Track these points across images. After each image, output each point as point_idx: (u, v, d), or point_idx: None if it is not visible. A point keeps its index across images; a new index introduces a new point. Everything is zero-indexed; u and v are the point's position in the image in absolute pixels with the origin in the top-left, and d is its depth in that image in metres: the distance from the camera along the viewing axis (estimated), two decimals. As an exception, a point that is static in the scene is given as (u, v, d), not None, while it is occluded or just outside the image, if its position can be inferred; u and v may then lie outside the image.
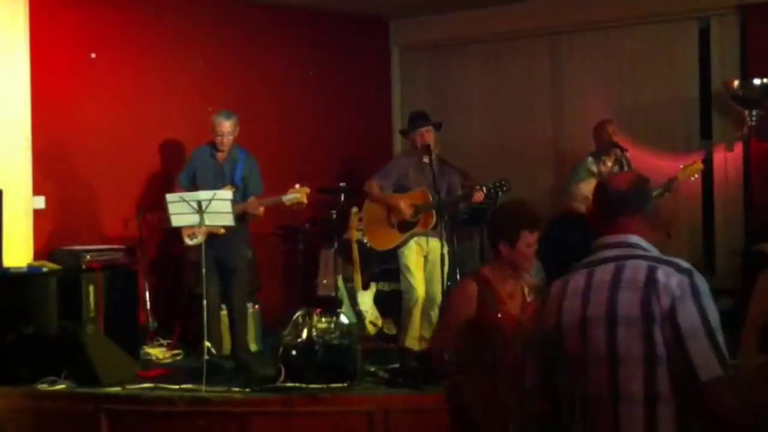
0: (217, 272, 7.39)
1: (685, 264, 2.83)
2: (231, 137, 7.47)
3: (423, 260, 7.47)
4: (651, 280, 2.78)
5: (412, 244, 7.45)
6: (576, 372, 2.89)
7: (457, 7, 10.05)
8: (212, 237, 7.22)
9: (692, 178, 7.76)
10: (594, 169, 8.20)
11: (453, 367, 4.49)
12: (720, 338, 2.74)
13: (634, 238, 2.93)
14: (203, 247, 6.99)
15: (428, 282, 7.48)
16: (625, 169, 8.08)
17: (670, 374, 2.75)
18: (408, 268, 7.45)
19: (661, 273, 2.78)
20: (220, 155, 7.53)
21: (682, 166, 7.75)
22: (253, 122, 9.22)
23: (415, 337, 7.46)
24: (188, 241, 7.34)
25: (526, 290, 4.59)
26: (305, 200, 7.35)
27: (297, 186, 7.31)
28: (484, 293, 4.45)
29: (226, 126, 7.43)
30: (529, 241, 4.41)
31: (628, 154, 8.16)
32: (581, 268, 2.97)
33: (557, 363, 2.96)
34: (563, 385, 2.96)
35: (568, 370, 2.92)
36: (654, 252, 2.92)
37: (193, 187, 7.37)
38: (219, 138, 7.45)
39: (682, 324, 2.73)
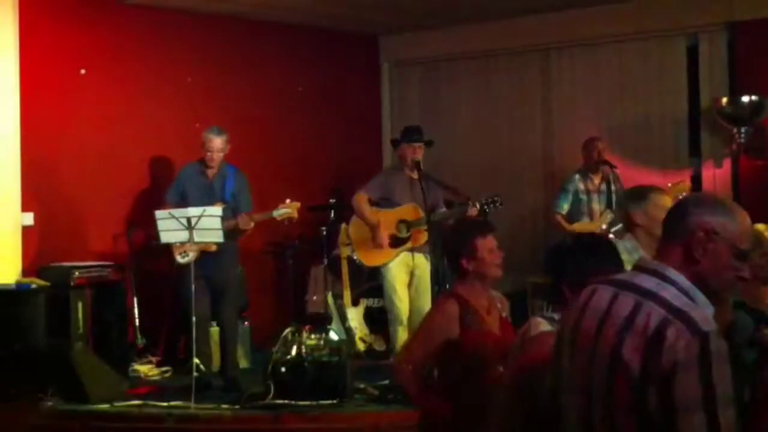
0: (208, 289, 7.36)
1: (705, 325, 2.42)
2: (221, 154, 7.45)
3: (409, 276, 7.45)
4: (659, 335, 2.42)
5: (398, 260, 7.43)
6: (578, 397, 2.63)
7: (447, 23, 10.08)
8: (203, 254, 7.20)
9: (680, 197, 7.70)
10: (581, 186, 8.25)
11: (422, 387, 4.36)
12: (724, 416, 2.35)
13: (672, 273, 2.55)
14: (191, 265, 6.97)
15: (415, 297, 7.46)
16: (613, 187, 8.15)
17: None
18: (393, 286, 7.44)
19: (672, 331, 2.41)
20: (209, 172, 7.51)
21: (669, 185, 7.72)
22: (242, 138, 9.21)
23: None
24: (180, 259, 7.31)
25: (499, 305, 4.51)
26: (296, 215, 7.36)
27: (288, 201, 7.32)
28: (466, 313, 4.27)
29: (217, 143, 7.41)
30: (487, 246, 4.33)
31: (617, 171, 8.19)
32: (610, 285, 2.66)
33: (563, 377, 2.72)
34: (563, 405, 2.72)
35: (569, 391, 2.66)
36: (686, 295, 2.52)
37: (183, 204, 7.33)
38: (209, 154, 7.42)
39: (677, 394, 2.36)
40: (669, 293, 2.50)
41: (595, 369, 2.55)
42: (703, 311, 2.49)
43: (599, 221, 8.07)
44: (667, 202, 4.55)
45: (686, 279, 2.54)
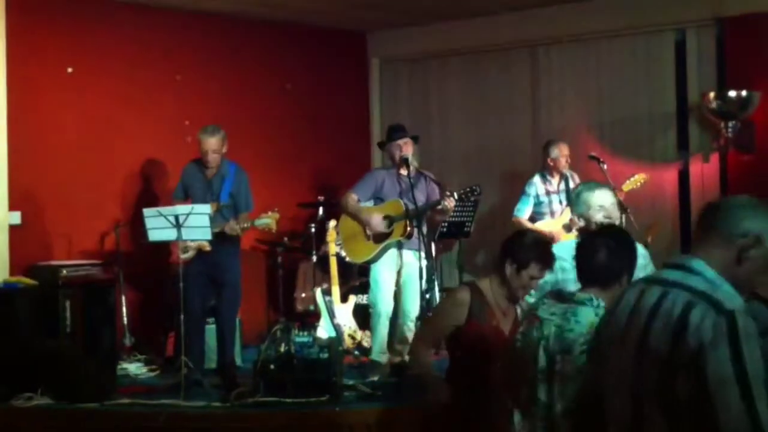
0: (208, 286, 7.33)
1: (730, 304, 2.45)
2: (217, 154, 7.33)
3: (395, 275, 7.43)
4: (683, 317, 2.45)
5: (385, 258, 7.41)
6: (607, 391, 2.67)
7: (435, 19, 10.07)
8: (201, 252, 7.17)
9: (637, 185, 8.20)
10: (541, 189, 8.37)
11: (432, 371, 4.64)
12: (758, 391, 2.34)
13: (698, 264, 2.57)
14: (181, 263, 6.94)
15: (401, 295, 7.43)
16: (571, 184, 8.33)
17: (694, 426, 2.43)
18: (376, 282, 7.42)
19: (697, 312, 2.44)
20: (208, 171, 7.42)
21: (627, 182, 8.10)
22: (231, 136, 9.17)
23: (381, 352, 7.43)
24: (182, 255, 7.26)
25: (519, 312, 4.53)
26: (274, 227, 7.30)
27: (269, 213, 7.27)
28: (476, 303, 4.44)
29: (211, 143, 7.29)
30: (534, 274, 4.37)
31: (605, 166, 8.23)
32: (640, 284, 2.72)
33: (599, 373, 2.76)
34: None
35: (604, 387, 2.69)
36: (711, 284, 2.54)
37: (187, 202, 7.30)
38: (205, 155, 7.33)
39: (709, 373, 2.37)
40: (694, 281, 2.53)
41: (624, 362, 2.58)
42: (727, 291, 2.52)
43: (559, 220, 8.29)
44: (599, 198, 4.65)
45: (713, 271, 2.56)
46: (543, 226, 8.22)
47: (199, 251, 7.15)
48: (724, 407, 2.33)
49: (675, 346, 2.43)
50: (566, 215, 8.23)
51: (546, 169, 8.48)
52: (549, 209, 8.41)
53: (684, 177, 9.01)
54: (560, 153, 8.39)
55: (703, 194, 8.85)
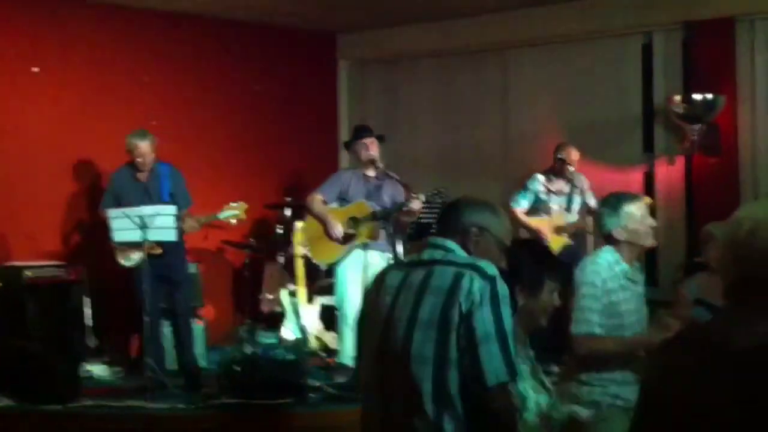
0: (160, 288, 7.28)
1: (491, 271, 2.97)
2: (152, 156, 7.31)
3: (361, 274, 7.40)
4: (455, 286, 2.93)
5: (351, 259, 7.39)
6: (375, 366, 3.09)
7: (405, 21, 10.07)
8: (149, 256, 7.07)
9: None
10: (542, 188, 8.29)
11: None
12: (511, 345, 2.91)
13: (452, 244, 3.12)
14: (146, 264, 6.89)
15: None
16: (576, 187, 8.24)
17: (460, 377, 2.88)
18: (342, 284, 7.40)
19: (466, 279, 2.93)
20: (141, 175, 7.38)
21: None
22: (198, 137, 9.19)
23: (347, 354, 7.40)
24: (124, 263, 7.21)
25: None
26: (244, 216, 7.29)
27: (234, 204, 7.25)
28: None
29: (144, 146, 7.27)
30: None
31: (572, 168, 8.24)
32: (402, 266, 3.24)
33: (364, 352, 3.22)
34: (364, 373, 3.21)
35: (370, 362, 3.13)
36: (464, 257, 3.08)
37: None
38: (139, 159, 7.29)
39: (477, 329, 2.87)
40: (454, 256, 3.08)
41: (390, 336, 3.01)
42: (486, 261, 3.03)
43: (553, 220, 8.24)
44: (641, 209, 4.36)
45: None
46: (535, 222, 8.22)
47: (149, 255, 7.02)
48: (487, 358, 2.85)
49: (448, 312, 2.90)
50: (561, 217, 8.23)
51: (552, 169, 8.39)
52: (546, 207, 8.32)
53: (650, 179, 9.06)
54: (568, 156, 8.32)
55: (669, 196, 8.91)
